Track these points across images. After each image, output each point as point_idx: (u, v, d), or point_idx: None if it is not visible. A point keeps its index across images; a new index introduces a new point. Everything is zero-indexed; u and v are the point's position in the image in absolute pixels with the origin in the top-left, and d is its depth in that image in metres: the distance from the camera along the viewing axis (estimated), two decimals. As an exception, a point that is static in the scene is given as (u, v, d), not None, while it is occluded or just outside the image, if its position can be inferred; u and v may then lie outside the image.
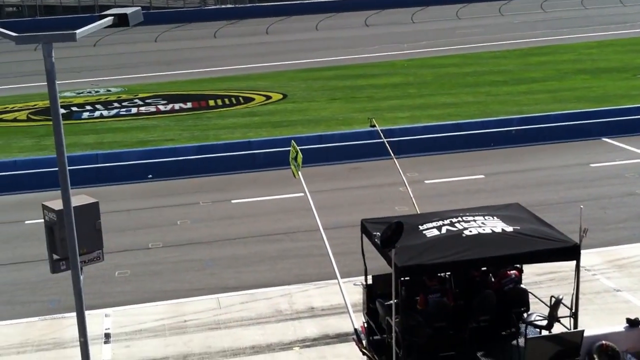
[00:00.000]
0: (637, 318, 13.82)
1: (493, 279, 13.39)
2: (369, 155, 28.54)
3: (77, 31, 10.80)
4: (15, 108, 41.13)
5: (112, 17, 11.47)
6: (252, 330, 16.57)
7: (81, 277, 11.76)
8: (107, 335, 16.63)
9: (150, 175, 28.13)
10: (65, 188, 11.20)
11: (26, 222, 23.94)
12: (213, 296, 18.25)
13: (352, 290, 16.39)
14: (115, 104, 40.83)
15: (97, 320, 16.93)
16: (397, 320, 12.11)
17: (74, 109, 39.78)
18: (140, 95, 42.50)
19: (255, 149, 30.12)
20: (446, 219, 12.95)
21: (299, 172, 16.21)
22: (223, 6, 76.38)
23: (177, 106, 39.89)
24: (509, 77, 43.41)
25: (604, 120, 31.97)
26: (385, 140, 17.90)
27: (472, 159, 29.06)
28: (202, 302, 17.99)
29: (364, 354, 13.48)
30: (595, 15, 65.06)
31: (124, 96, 42.72)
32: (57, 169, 11.25)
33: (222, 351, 15.76)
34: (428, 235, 12.50)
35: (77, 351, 12.74)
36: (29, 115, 39.35)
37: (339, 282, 14.20)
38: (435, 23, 64.63)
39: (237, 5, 76.21)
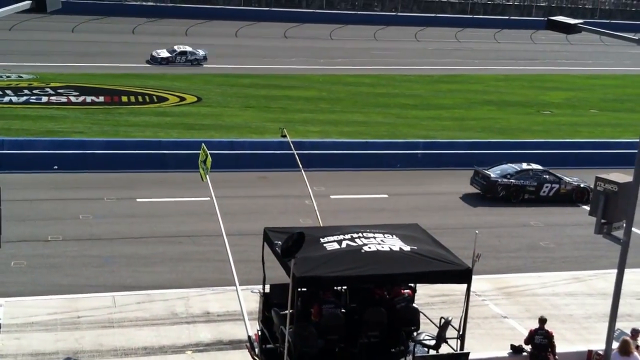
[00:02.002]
0: (521, 345, 14.63)
1: (387, 296, 13.85)
2: (277, 165, 28.85)
3: None
4: None
5: (30, 2, 11.42)
6: (146, 331, 16.58)
7: None
8: (-2, 326, 16.34)
9: (56, 167, 27.65)
10: None
11: None
12: (109, 294, 18.18)
13: (250, 298, 16.56)
14: (26, 91, 39.81)
15: (-12, 309, 16.61)
16: (291, 330, 12.38)
17: (-19, 91, 38.62)
18: (52, 85, 41.55)
19: (165, 149, 30.01)
20: (347, 234, 13.35)
21: (207, 176, 16.39)
22: (144, 3, 75.35)
23: (89, 99, 39.23)
24: (419, 101, 44.61)
25: (505, 152, 33.20)
26: (295, 152, 18.29)
27: (377, 177, 29.80)
28: (97, 299, 17.90)
29: (255, 361, 13.69)
30: (506, 50, 67.55)
31: (35, 84, 41.68)
32: None
33: (114, 350, 15.73)
34: (328, 249, 12.88)
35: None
36: None
37: (236, 289, 14.42)
38: (352, 42, 65.63)
39: (158, 4, 75.31)
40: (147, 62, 49.96)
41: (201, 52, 50.87)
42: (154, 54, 50.45)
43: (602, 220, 13.32)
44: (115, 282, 19.14)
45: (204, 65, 49.85)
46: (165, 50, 50.77)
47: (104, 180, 27.17)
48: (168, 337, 16.39)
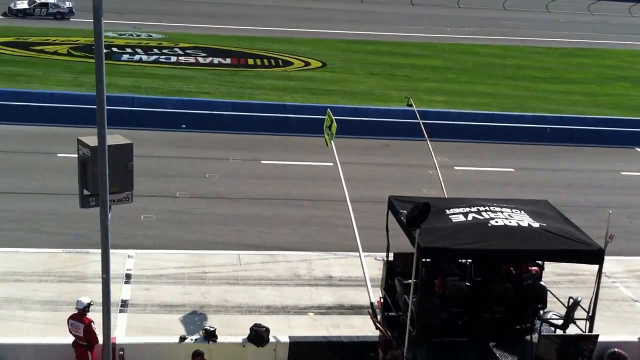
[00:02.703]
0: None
1: (513, 272, 13.51)
2: (401, 134, 28.63)
3: None
4: (57, 41, 41.44)
5: None
6: (269, 291, 16.84)
7: (109, 216, 11.95)
8: (128, 276, 16.98)
9: (184, 125, 28.39)
10: (101, 126, 11.28)
11: (58, 154, 24.31)
12: (234, 252, 18.54)
13: (372, 265, 16.53)
14: (156, 50, 41.03)
15: (120, 259, 17.20)
16: (414, 299, 12.27)
17: (115, 49, 40.02)
18: (181, 45, 42.65)
19: (289, 113, 30.27)
20: (473, 207, 13.02)
21: (332, 142, 16.38)
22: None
23: (216, 60, 40.03)
24: (548, 74, 43.12)
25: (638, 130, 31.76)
26: (420, 121, 18.00)
27: (503, 151, 29.07)
28: (223, 256, 18.29)
29: (377, 328, 13.68)
30: (643, 24, 64.31)
31: (164, 43, 42.89)
32: (94, 106, 11.28)
33: (238, 307, 16.06)
34: (454, 220, 12.60)
35: (97, 287, 13.06)
36: (70, 50, 39.65)
37: (360, 255, 14.41)
38: (481, 11, 64.04)
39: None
40: (4, 14, 48.11)
41: (67, 4, 48.20)
42: (10, 5, 48.00)
43: None
44: (240, 241, 19.53)
45: (329, 31, 49.84)
46: (25, 1, 48.07)
47: (230, 140, 27.71)
48: (291, 297, 16.60)
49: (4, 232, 18.98)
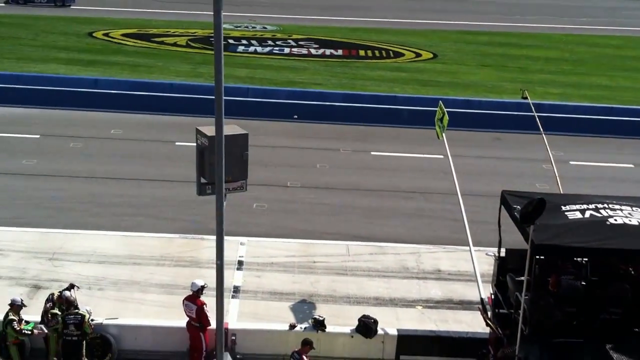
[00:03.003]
0: None
1: (632, 272, 13.04)
2: (514, 127, 28.04)
3: None
4: (177, 33, 42.77)
5: None
6: (377, 282, 16.89)
7: (224, 203, 12.27)
8: (240, 263, 17.40)
9: (296, 116, 28.78)
10: (219, 116, 11.59)
11: (176, 143, 25.12)
12: (343, 242, 18.69)
13: (482, 260, 16.32)
14: (270, 42, 41.72)
15: (233, 246, 17.65)
16: (527, 297, 12.01)
17: (231, 41, 40.93)
18: (294, 37, 43.20)
19: (400, 105, 30.16)
20: (591, 204, 12.61)
21: (443, 134, 16.23)
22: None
23: (328, 52, 40.33)
24: (673, 67, 41.22)
25: None
26: (535, 114, 17.57)
27: (622, 146, 28.02)
28: (332, 246, 18.46)
29: (487, 324, 13.48)
30: None
31: (278, 35, 43.55)
32: (211, 96, 11.59)
33: (347, 297, 16.20)
34: (570, 217, 12.25)
35: (211, 272, 13.50)
36: (189, 42, 40.85)
37: (470, 249, 14.23)
38: (600, 0, 61.76)
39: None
40: (6, 2, 48.00)
41: None
42: None
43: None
44: (349, 231, 19.66)
45: (440, 22, 49.28)
46: None
47: (340, 131, 27.89)
48: (398, 289, 16.60)
49: (124, 217, 19.82)
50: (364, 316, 14.44)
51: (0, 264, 16.74)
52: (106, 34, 41.79)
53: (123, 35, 41.75)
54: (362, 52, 40.73)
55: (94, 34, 41.61)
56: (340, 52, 40.53)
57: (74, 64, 34.71)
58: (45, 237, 18.16)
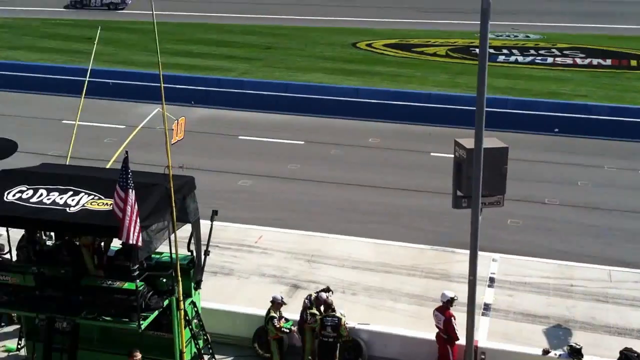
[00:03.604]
0: None
1: None
2: None
3: None
4: (437, 43, 42.96)
5: None
6: (642, 313, 15.67)
7: (479, 218, 12.00)
8: (492, 280, 16.99)
9: (557, 130, 27.63)
10: (479, 128, 11.36)
11: (432, 153, 25.20)
12: (605, 267, 17.53)
13: None
14: (532, 51, 40.51)
15: (484, 262, 17.22)
16: None
17: (491, 50, 40.19)
18: (559, 45, 41.56)
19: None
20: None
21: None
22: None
23: (595, 61, 38.30)
24: None
25: None
26: None
27: None
28: (592, 270, 17.39)
29: None
30: None
31: (541, 44, 42.16)
32: (469, 107, 11.37)
33: (607, 326, 15.17)
34: None
35: (461, 287, 13.29)
36: (448, 52, 40.85)
37: None
38: None
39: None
40: (66, 7, 48.29)
41: None
42: None
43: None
44: (612, 255, 18.43)
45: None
46: None
47: (605, 147, 26.32)
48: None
49: (376, 225, 20.21)
50: (626, 349, 13.42)
51: (266, 262, 17.81)
52: (369, 45, 43.03)
53: (385, 45, 42.73)
54: (633, 62, 38.15)
55: (357, 45, 43.02)
56: (609, 61, 38.30)
57: (337, 73, 36.11)
58: (305, 239, 19.04)
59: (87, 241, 13.09)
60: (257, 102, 31.00)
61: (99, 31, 18.51)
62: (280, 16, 49.54)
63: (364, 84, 33.87)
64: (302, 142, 26.94)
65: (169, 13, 46.63)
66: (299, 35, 44.77)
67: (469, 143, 12.43)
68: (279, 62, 38.49)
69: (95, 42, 17.72)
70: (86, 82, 17.27)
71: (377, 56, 40.32)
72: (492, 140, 12.90)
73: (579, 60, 38.53)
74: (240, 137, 27.27)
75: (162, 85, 13.16)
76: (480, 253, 13.27)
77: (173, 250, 12.94)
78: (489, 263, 17.63)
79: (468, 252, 12.77)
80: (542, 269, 17.47)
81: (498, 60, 38.86)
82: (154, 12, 12.56)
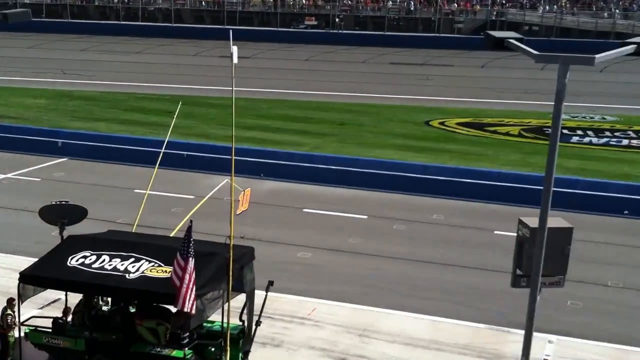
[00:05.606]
0: None
1: None
2: None
3: (597, 56, 10.64)
4: (511, 122, 42.89)
5: (635, 46, 11.11)
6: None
7: (538, 298, 11.90)
8: (546, 362, 16.65)
9: (627, 212, 27.06)
10: (545, 209, 11.37)
11: (495, 232, 25.00)
12: (665, 355, 16.96)
13: None
14: (607, 133, 39.97)
15: (540, 343, 16.90)
16: None
17: (565, 131, 39.92)
18: (635, 128, 40.90)
19: None
20: None
21: None
22: None
23: (671, 144, 37.54)
24: None
25: None
26: None
27: None
28: (652, 355, 16.87)
29: None
30: None
31: (617, 126, 41.59)
32: (537, 187, 11.41)
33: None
34: None
35: (514, 367, 13.05)
36: (521, 132, 40.70)
37: None
38: None
39: None
40: None
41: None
42: None
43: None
44: (672, 343, 17.82)
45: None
46: None
47: (677, 231, 25.63)
48: None
49: (432, 301, 20.06)
50: None
51: (317, 335, 17.88)
52: (442, 123, 43.29)
53: (457, 123, 42.91)
54: None
55: (430, 123, 43.34)
56: (685, 144, 37.50)
57: (408, 150, 36.39)
58: (358, 313, 19.09)
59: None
60: (325, 176, 31.49)
61: (179, 105, 19.55)
62: (355, 93, 50.50)
63: (434, 161, 34.01)
64: (366, 217, 27.15)
65: (244, 89, 48.25)
66: (373, 112, 45.43)
67: (533, 222, 12.52)
68: (350, 137, 39.10)
69: (175, 115, 18.70)
70: (162, 153, 18.15)
71: (448, 134, 40.51)
72: (557, 220, 12.92)
73: (654, 142, 37.89)
74: (304, 210, 27.69)
75: (233, 157, 13.73)
76: (536, 334, 13.12)
77: (225, 320, 13.22)
78: (545, 344, 17.30)
79: (523, 332, 12.66)
80: (598, 352, 17.06)
81: (571, 140, 38.47)
82: (234, 88, 13.17)
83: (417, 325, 18.46)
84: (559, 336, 17.75)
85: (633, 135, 39.54)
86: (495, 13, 76.58)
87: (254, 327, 14.73)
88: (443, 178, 30.52)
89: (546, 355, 16.90)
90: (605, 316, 19.30)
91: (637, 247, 24.18)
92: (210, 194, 23.12)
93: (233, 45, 12.37)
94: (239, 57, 12.79)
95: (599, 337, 17.92)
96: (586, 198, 28.05)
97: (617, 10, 74.83)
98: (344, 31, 78.02)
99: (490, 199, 28.70)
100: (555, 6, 76.68)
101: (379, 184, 30.45)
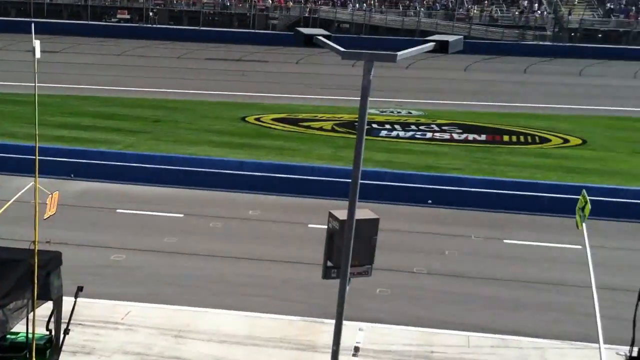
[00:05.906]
0: None
1: None
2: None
3: (399, 53, 11.00)
4: (324, 118, 44.06)
5: (434, 43, 11.66)
6: (496, 377, 16.27)
7: (347, 288, 12.34)
8: (357, 349, 17.32)
9: (430, 201, 28.64)
10: (352, 201, 11.76)
11: (309, 225, 25.65)
12: (464, 333, 18.20)
13: (613, 358, 15.42)
14: (413, 127, 42.08)
15: (351, 332, 17.63)
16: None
17: (374, 125, 41.67)
18: (438, 122, 43.36)
19: (540, 192, 29.33)
20: None
21: (583, 224, 15.67)
22: (541, 43, 75.05)
23: (470, 137, 40.11)
24: None
25: None
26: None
27: None
28: (452, 336, 18.03)
29: None
30: None
31: (422, 120, 43.88)
32: (347, 180, 11.75)
33: (462, 390, 15.71)
34: None
35: (327, 357, 13.48)
36: (334, 126, 41.94)
37: (599, 347, 13.53)
38: None
39: (555, 44, 74.45)
40: None
41: None
42: None
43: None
44: (471, 321, 19.13)
45: (594, 107, 47.82)
46: None
47: (474, 218, 27.42)
48: (516, 386, 15.91)
49: (248, 297, 20.30)
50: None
51: (131, 339, 17.55)
52: (258, 119, 43.70)
53: (273, 119, 43.51)
54: (506, 138, 40.18)
55: (246, 119, 43.64)
56: (483, 137, 40.19)
57: (224, 146, 36.46)
58: (174, 314, 18.93)
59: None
60: (139, 175, 30.88)
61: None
62: (170, 90, 49.83)
63: (250, 157, 34.29)
64: (182, 215, 26.95)
65: (53, 85, 46.21)
66: (188, 109, 45.06)
67: (342, 214, 12.85)
68: (166, 135, 38.57)
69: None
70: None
71: (264, 130, 40.98)
72: (364, 212, 13.34)
73: (455, 136, 40.24)
74: (118, 211, 27.04)
75: (37, 157, 13.12)
76: (347, 323, 13.60)
77: (30, 330, 12.68)
78: (356, 332, 17.98)
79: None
80: (405, 337, 17.96)
81: (380, 134, 40.14)
82: (37, 84, 12.59)
83: (233, 322, 18.60)
84: (370, 323, 18.52)
85: (436, 128, 41.87)
86: (308, 10, 78.17)
87: (62, 335, 14.21)
88: (259, 174, 30.85)
89: (357, 342, 17.59)
90: (413, 301, 20.39)
91: (440, 234, 25.66)
92: (15, 197, 21.96)
93: (35, 39, 11.87)
94: (46, 52, 12.29)
95: (407, 322, 18.90)
96: (393, 189, 29.40)
97: (421, 9, 78.78)
98: (159, 26, 76.73)
99: (305, 193, 29.31)
100: (364, 4, 79.49)
101: (194, 182, 30.27)
